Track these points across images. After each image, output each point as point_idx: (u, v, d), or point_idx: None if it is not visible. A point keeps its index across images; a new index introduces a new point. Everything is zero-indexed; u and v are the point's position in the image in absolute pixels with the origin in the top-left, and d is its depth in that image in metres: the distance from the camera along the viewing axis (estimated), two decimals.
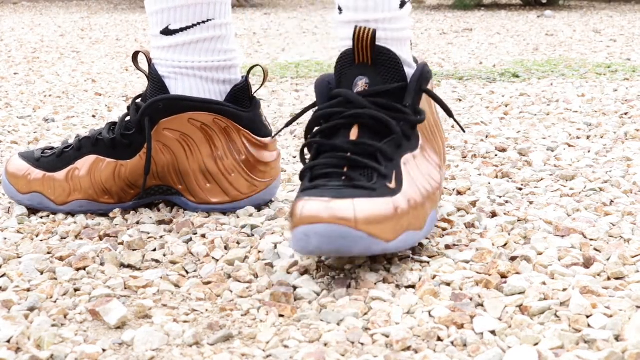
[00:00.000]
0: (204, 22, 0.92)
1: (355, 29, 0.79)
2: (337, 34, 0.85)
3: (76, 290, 0.72)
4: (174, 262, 0.79)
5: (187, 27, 0.92)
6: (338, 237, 0.68)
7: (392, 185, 0.75)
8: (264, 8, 5.82)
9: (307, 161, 0.79)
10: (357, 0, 0.81)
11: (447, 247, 0.80)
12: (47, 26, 4.22)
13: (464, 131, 0.90)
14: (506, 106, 1.65)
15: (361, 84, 0.80)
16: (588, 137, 1.33)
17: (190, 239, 0.85)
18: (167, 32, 0.92)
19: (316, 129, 0.80)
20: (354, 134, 0.78)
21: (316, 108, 0.82)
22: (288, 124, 0.85)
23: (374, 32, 0.78)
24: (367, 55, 0.79)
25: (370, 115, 0.78)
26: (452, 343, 0.60)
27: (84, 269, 0.77)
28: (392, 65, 0.80)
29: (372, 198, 0.71)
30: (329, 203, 0.69)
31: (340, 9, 0.84)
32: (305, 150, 0.82)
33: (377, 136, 0.78)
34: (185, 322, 0.65)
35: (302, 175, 0.77)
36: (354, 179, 0.74)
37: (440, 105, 0.83)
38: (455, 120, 0.85)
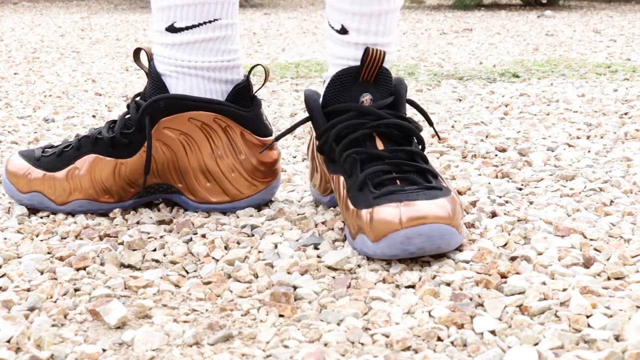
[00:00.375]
0: (210, 21, 0.91)
1: (368, 50, 0.83)
2: (335, 52, 0.89)
3: (76, 290, 0.72)
4: (174, 262, 0.79)
5: (193, 26, 0.91)
6: (440, 236, 0.73)
7: (444, 183, 0.81)
8: (264, 8, 5.82)
9: (348, 172, 0.82)
10: (370, 24, 0.86)
11: None
12: (47, 26, 4.22)
13: (440, 138, 0.97)
14: (506, 106, 1.65)
15: (365, 100, 0.85)
16: (588, 137, 1.33)
17: (190, 239, 0.85)
18: (172, 29, 0.91)
19: (344, 141, 0.84)
20: (379, 143, 0.83)
21: (331, 122, 0.85)
22: (280, 137, 0.90)
23: (384, 54, 0.84)
24: (373, 74, 0.84)
25: (393, 124, 0.83)
26: (452, 343, 0.60)
27: (84, 269, 0.77)
28: (387, 82, 0.86)
29: (447, 196, 0.77)
30: (424, 206, 0.73)
31: (344, 30, 0.87)
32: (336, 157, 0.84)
33: (396, 143, 0.84)
34: (185, 322, 0.65)
35: (362, 185, 0.80)
36: (416, 182, 0.79)
37: (422, 114, 0.89)
38: (435, 130, 0.91)
